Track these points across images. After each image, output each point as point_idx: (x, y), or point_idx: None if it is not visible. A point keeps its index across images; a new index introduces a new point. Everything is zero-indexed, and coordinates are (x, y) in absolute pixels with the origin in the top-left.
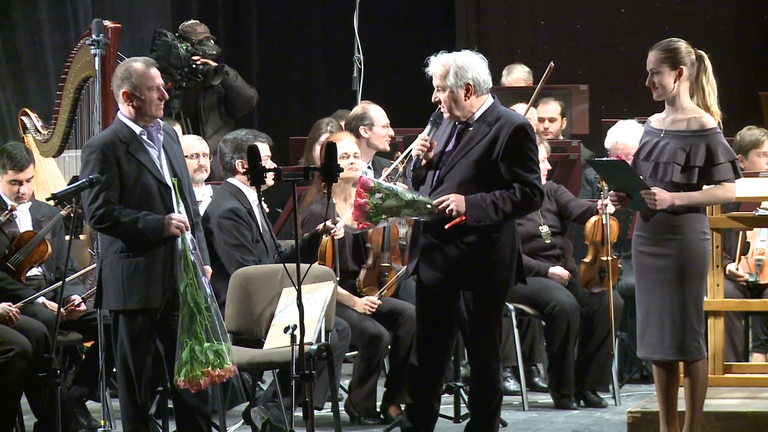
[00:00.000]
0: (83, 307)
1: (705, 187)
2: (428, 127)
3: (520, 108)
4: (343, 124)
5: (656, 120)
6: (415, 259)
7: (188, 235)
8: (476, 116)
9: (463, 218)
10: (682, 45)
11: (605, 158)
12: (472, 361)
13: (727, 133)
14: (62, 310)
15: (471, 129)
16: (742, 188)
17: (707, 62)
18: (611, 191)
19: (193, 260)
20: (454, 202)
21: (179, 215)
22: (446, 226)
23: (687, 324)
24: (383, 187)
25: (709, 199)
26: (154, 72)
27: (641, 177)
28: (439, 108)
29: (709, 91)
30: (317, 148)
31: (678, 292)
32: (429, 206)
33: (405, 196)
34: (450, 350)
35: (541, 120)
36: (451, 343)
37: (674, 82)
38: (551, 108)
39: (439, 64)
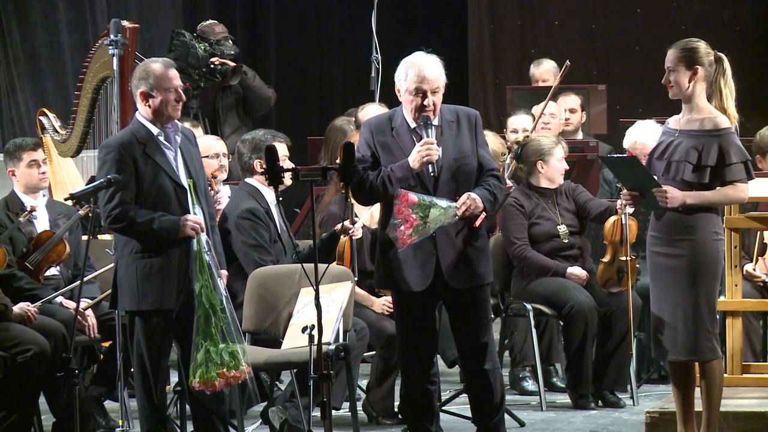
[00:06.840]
0: (91, 320)
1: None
2: (428, 130)
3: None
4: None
5: (673, 120)
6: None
7: (204, 237)
8: (439, 115)
9: (485, 213)
10: (702, 45)
11: (617, 155)
12: (472, 359)
13: (744, 133)
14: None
15: (443, 128)
16: (760, 188)
17: (726, 64)
18: (625, 191)
19: (208, 261)
20: (473, 200)
21: (194, 216)
22: (476, 224)
23: (700, 324)
24: (426, 199)
25: (721, 200)
26: (173, 73)
27: (654, 176)
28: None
29: (726, 93)
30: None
31: (690, 292)
32: (457, 208)
33: (441, 203)
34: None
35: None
36: (435, 345)
37: (689, 82)
38: (571, 100)
39: (436, 67)
